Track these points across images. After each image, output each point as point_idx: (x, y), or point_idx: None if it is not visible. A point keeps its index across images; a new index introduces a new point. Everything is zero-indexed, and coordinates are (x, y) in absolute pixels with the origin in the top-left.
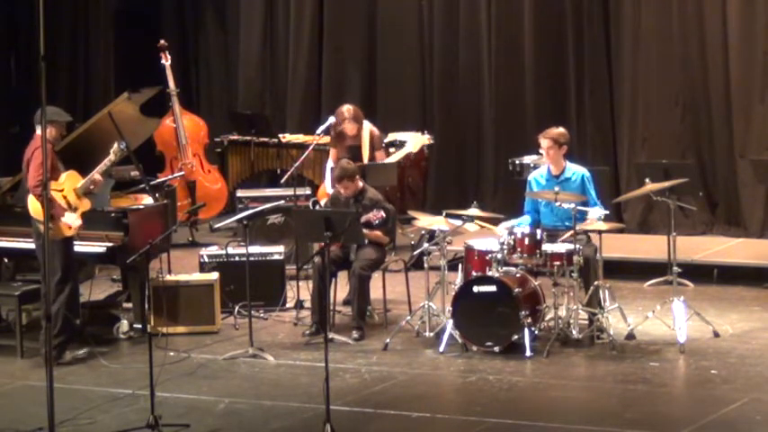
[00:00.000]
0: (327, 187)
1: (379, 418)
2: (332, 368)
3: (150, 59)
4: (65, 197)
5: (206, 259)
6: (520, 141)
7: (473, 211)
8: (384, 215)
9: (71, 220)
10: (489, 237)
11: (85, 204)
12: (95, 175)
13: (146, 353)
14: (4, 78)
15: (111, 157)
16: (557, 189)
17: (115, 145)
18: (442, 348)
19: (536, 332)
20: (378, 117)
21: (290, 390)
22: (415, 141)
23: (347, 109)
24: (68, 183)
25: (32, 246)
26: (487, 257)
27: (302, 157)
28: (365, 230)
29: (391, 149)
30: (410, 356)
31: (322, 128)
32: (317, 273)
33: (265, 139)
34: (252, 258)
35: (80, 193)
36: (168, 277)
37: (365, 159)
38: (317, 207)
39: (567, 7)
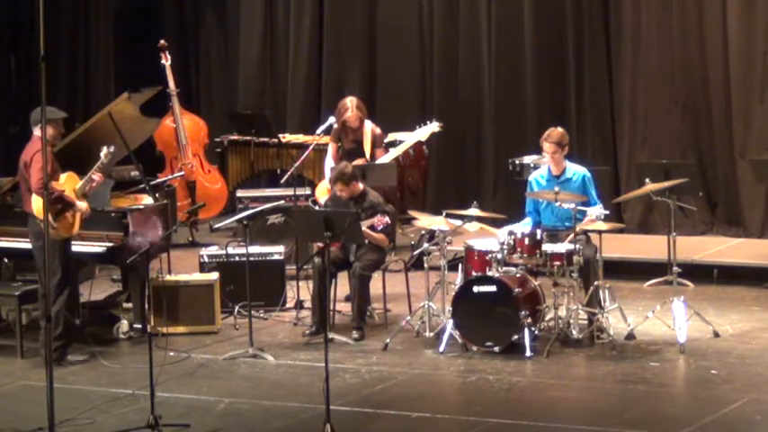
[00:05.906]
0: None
1: (379, 418)
2: (332, 368)
3: (150, 59)
4: None
5: (206, 259)
6: (520, 141)
7: (473, 211)
8: (389, 221)
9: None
10: (489, 237)
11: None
12: (93, 175)
13: (146, 353)
14: (4, 78)
15: (103, 159)
16: (557, 189)
17: (104, 149)
18: (441, 348)
19: (536, 332)
20: (378, 117)
21: (290, 390)
22: (423, 131)
23: (350, 99)
24: (68, 184)
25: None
26: (487, 257)
27: (302, 157)
28: (370, 233)
29: (391, 149)
30: (410, 356)
31: (322, 128)
32: (317, 273)
33: (265, 139)
34: (252, 258)
35: (79, 194)
36: (168, 277)
37: (367, 156)
38: (315, 206)
39: (567, 7)
